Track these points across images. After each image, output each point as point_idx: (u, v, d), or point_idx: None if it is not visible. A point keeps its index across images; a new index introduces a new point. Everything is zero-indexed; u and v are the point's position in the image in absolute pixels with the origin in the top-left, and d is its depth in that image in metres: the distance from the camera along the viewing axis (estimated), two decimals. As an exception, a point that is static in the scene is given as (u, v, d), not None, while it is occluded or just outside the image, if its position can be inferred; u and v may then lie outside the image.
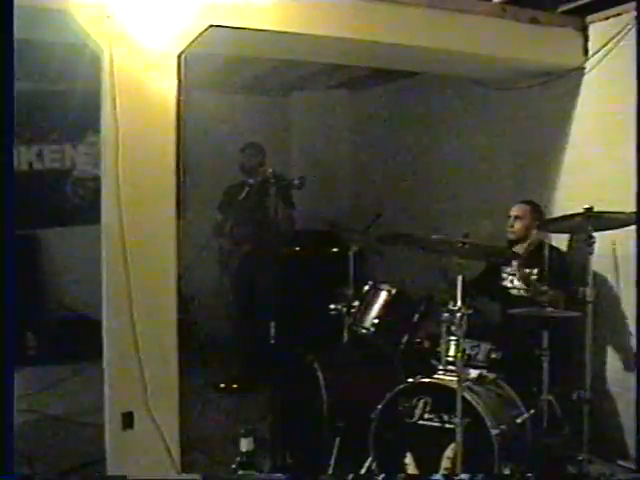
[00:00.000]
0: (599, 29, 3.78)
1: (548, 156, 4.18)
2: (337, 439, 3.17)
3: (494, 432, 2.80)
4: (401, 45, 3.45)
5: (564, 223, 3.30)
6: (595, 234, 3.07)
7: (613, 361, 3.73)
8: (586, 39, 3.86)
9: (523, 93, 4.29)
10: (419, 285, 3.90)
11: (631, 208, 2.82)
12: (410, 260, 4.48)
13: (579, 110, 3.96)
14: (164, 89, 2.99)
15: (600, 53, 3.76)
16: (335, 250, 4.68)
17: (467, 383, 2.98)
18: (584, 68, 3.88)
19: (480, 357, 3.25)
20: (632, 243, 2.96)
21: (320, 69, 5.19)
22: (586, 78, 3.89)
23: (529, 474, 2.92)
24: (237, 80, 5.55)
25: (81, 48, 3.06)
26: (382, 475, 3.02)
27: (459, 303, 2.89)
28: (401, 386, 3.06)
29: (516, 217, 3.77)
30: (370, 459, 3.08)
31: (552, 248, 3.53)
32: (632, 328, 3.52)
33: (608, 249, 3.38)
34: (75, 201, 5.82)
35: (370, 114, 6.06)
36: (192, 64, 3.08)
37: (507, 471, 2.82)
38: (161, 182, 3.04)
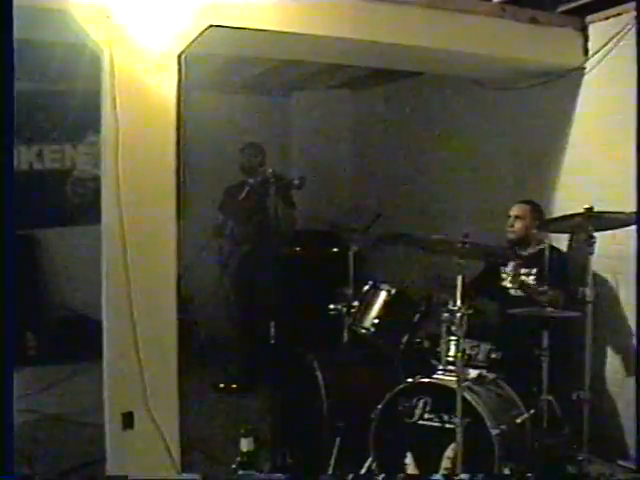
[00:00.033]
0: (599, 29, 3.78)
1: (548, 156, 4.18)
2: (337, 439, 3.17)
3: (494, 432, 2.80)
4: (401, 45, 3.45)
5: (564, 223, 3.30)
6: (595, 234, 3.07)
7: (613, 361, 3.73)
8: (586, 39, 3.86)
9: (523, 93, 4.29)
10: (419, 285, 3.91)
11: (631, 208, 2.82)
12: (410, 260, 4.48)
13: (579, 110, 3.96)
14: (164, 89, 2.99)
15: (600, 53, 3.76)
16: (335, 250, 4.68)
17: (467, 383, 2.98)
18: (584, 68, 3.88)
19: (480, 357, 3.25)
20: (632, 243, 2.97)
21: (320, 69, 5.19)
22: (586, 78, 3.89)
23: (529, 474, 2.92)
24: (237, 80, 5.55)
25: (81, 48, 3.05)
26: (382, 475, 3.02)
27: (459, 303, 2.89)
28: (401, 386, 3.06)
29: (516, 217, 3.77)
30: (370, 459, 3.08)
31: (552, 248, 3.53)
32: (632, 328, 3.52)
33: (608, 249, 3.38)
34: (75, 201, 5.81)
35: (370, 114, 6.06)
36: (192, 64, 3.08)
37: (507, 471, 2.82)
38: (161, 182, 3.04)
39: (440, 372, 3.10)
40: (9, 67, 1.85)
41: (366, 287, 3.59)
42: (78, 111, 4.86)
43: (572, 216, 3.14)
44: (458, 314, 2.88)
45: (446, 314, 3.00)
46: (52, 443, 3.69)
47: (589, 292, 3.06)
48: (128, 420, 2.99)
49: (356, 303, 3.58)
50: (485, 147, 4.70)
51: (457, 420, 2.77)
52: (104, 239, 2.99)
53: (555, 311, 3.10)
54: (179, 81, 3.01)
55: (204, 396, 4.46)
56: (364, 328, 3.48)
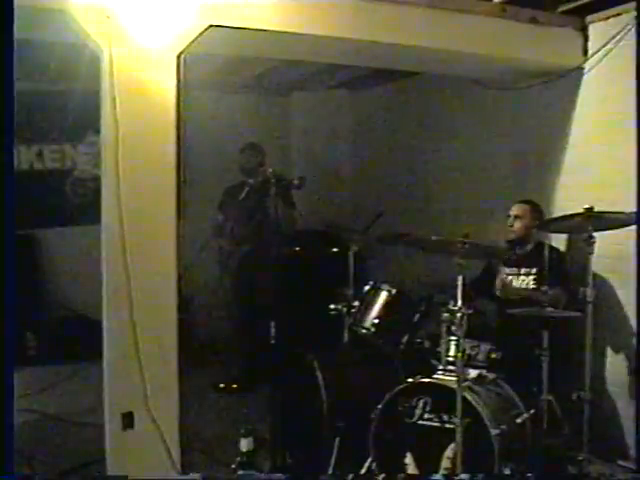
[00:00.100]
0: (599, 29, 3.79)
1: (548, 156, 4.18)
2: (337, 439, 3.17)
3: (494, 432, 2.80)
4: (401, 45, 3.45)
5: (564, 223, 3.30)
6: (595, 234, 3.07)
7: (613, 361, 3.73)
8: (586, 39, 3.86)
9: (523, 93, 4.29)
10: (419, 285, 3.91)
11: (631, 208, 2.82)
12: (410, 260, 4.48)
13: (579, 110, 3.96)
14: (164, 89, 2.99)
15: (600, 53, 3.76)
16: (335, 250, 4.67)
17: (467, 383, 2.98)
18: (584, 68, 3.88)
19: (480, 357, 3.25)
20: (632, 243, 2.97)
21: (320, 69, 5.19)
22: (586, 78, 3.89)
23: (529, 474, 2.92)
24: (237, 80, 5.55)
25: (81, 48, 3.05)
26: (382, 475, 3.02)
27: (459, 303, 2.89)
28: (401, 386, 3.06)
29: (516, 217, 3.77)
30: (370, 459, 3.08)
31: (552, 248, 3.53)
32: (632, 328, 3.52)
33: (608, 249, 3.38)
34: (75, 201, 5.82)
35: (370, 114, 6.06)
36: (192, 64, 3.08)
37: (507, 471, 2.82)
38: (161, 182, 3.04)
39: (440, 372, 3.10)
40: (9, 67, 1.85)
41: (366, 287, 3.60)
42: (78, 111, 4.86)
43: (572, 216, 3.14)
44: (458, 314, 2.88)
45: (446, 314, 3.00)
46: (52, 443, 3.69)
47: (589, 292, 3.07)
48: (128, 420, 2.99)
49: (356, 303, 3.58)
50: (485, 147, 4.70)
51: (457, 420, 2.77)
52: (104, 239, 2.99)
53: (555, 311, 3.10)
54: (179, 81, 3.01)
55: (204, 396, 4.46)
56: (364, 328, 3.48)
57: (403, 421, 3.01)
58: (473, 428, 2.81)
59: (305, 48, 3.60)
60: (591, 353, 3.08)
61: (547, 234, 3.82)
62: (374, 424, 3.07)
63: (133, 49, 2.91)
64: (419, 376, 3.07)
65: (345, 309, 3.62)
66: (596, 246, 3.07)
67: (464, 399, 2.81)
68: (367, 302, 3.53)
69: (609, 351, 3.75)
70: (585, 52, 3.87)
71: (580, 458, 3.08)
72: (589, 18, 3.82)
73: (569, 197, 3.91)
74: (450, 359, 3.12)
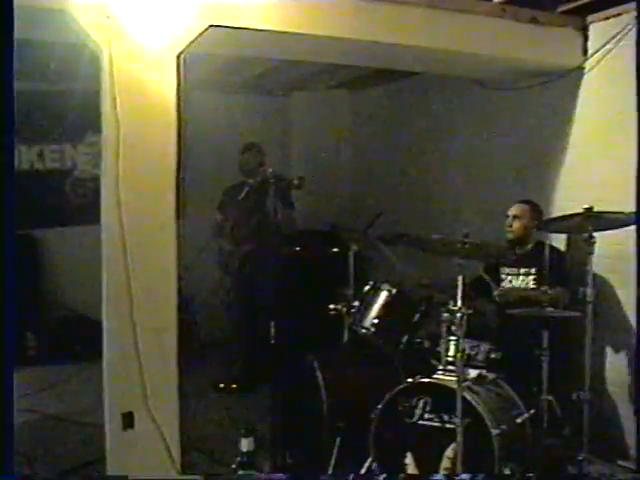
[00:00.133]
0: (599, 29, 3.79)
1: (548, 156, 4.18)
2: (337, 439, 3.17)
3: (494, 432, 2.80)
4: (401, 45, 3.45)
5: (564, 223, 3.30)
6: (595, 234, 3.07)
7: (613, 361, 3.73)
8: (586, 39, 3.86)
9: (523, 93, 4.29)
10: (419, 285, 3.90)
11: (631, 208, 2.82)
12: (410, 260, 4.47)
13: (579, 110, 3.96)
14: (164, 89, 2.99)
15: (600, 53, 3.77)
16: (335, 250, 4.68)
17: (467, 383, 2.98)
18: (584, 68, 3.88)
19: (480, 357, 3.25)
20: (632, 243, 2.96)
21: (320, 69, 5.19)
22: (586, 78, 3.89)
23: (529, 474, 2.92)
24: (237, 80, 5.55)
25: (81, 48, 3.05)
26: (382, 475, 3.02)
27: (459, 303, 2.89)
28: (401, 386, 3.06)
29: (515, 217, 3.77)
30: (370, 459, 3.08)
31: (552, 248, 3.53)
32: (632, 328, 3.51)
33: (608, 249, 3.38)
34: (75, 201, 5.82)
35: (370, 114, 6.06)
36: (192, 64, 3.08)
37: (507, 471, 2.82)
38: (161, 182, 3.04)
39: (440, 372, 3.10)
40: (9, 67, 1.85)
41: (366, 287, 3.59)
42: (78, 111, 4.86)
43: (572, 216, 3.14)
44: (458, 314, 2.88)
45: (446, 314, 3.00)
46: (52, 443, 3.69)
47: (589, 292, 3.07)
48: (128, 420, 2.99)
49: (356, 303, 3.57)
50: (485, 147, 4.70)
51: (457, 420, 2.77)
52: (104, 239, 2.99)
53: (555, 311, 3.10)
54: (179, 81, 3.01)
55: (204, 396, 4.46)
56: (364, 328, 3.48)
57: (403, 421, 3.01)
58: (473, 428, 2.81)
59: (305, 48, 3.60)
60: (591, 353, 3.08)
61: (547, 234, 3.82)
62: (374, 424, 3.07)
63: (133, 49, 2.90)
64: (419, 376, 3.07)
65: (345, 309, 3.61)
66: (596, 246, 3.07)
67: (464, 399, 2.81)
68: (367, 302, 3.53)
69: (609, 351, 3.75)
70: (585, 52, 3.87)
71: (580, 458, 3.08)
72: (589, 18, 3.82)
73: (569, 197, 3.91)
74: (450, 359, 3.12)
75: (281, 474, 3.12)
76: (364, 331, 3.48)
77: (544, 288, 3.13)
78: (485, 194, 4.66)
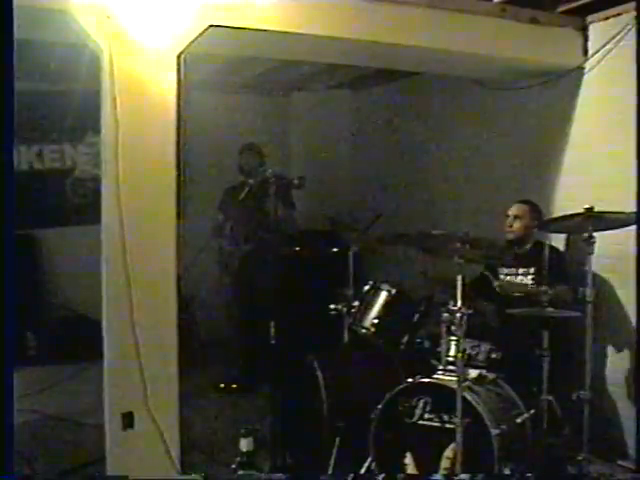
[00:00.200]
0: (599, 29, 3.79)
1: (548, 156, 4.18)
2: (337, 439, 3.17)
3: (494, 432, 2.80)
4: (401, 45, 3.45)
5: (564, 223, 3.30)
6: (595, 234, 3.07)
7: (613, 361, 3.73)
8: (586, 39, 3.86)
9: (523, 93, 4.29)
10: (419, 285, 3.91)
11: (631, 208, 2.81)
12: (410, 260, 4.48)
13: (579, 110, 3.96)
14: (164, 89, 2.99)
15: (600, 53, 3.77)
16: (335, 250, 4.68)
17: (467, 383, 2.98)
18: (584, 68, 3.88)
19: (480, 357, 3.25)
20: (632, 243, 2.96)
21: (320, 69, 5.19)
22: (586, 78, 3.89)
23: (529, 474, 2.92)
24: (237, 80, 5.55)
25: (81, 48, 3.05)
26: (382, 475, 3.02)
27: (459, 303, 2.89)
28: (401, 386, 3.06)
29: (515, 217, 3.77)
30: (370, 459, 3.08)
31: (551, 248, 3.53)
32: (632, 328, 3.51)
33: (608, 249, 3.38)
34: (75, 201, 5.82)
35: (370, 114, 6.06)
36: (192, 64, 3.08)
37: (507, 471, 2.82)
38: (161, 182, 3.04)
39: (440, 372, 3.10)
40: (9, 67, 1.85)
41: (366, 287, 3.59)
42: (78, 111, 4.85)
43: (572, 216, 3.15)
44: (458, 314, 2.88)
45: (446, 314, 3.00)
46: (52, 443, 3.69)
47: (589, 292, 3.07)
48: (128, 420, 2.99)
49: (356, 303, 3.57)
50: (485, 147, 4.70)
51: (457, 420, 2.77)
52: (104, 239, 2.99)
53: (555, 311, 3.10)
54: (179, 81, 3.01)
55: (204, 396, 4.46)
56: (364, 328, 3.48)
57: (403, 421, 3.01)
58: (473, 428, 2.80)
59: (305, 48, 3.60)
60: (591, 353, 3.08)
61: (547, 234, 3.82)
62: (374, 424, 3.07)
63: (133, 49, 2.90)
64: (419, 376, 3.07)
65: (345, 309, 3.61)
66: (596, 246, 3.08)
67: (464, 399, 2.81)
68: (367, 302, 3.53)
69: (609, 351, 3.75)
70: (585, 52, 3.87)
71: (580, 458, 3.08)
72: (589, 18, 3.82)
73: (569, 197, 3.91)
74: (450, 359, 3.12)
75: (281, 474, 3.12)
76: (364, 331, 3.48)
77: (544, 288, 3.13)
78: (485, 194, 4.66)
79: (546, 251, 3.29)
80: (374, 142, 5.94)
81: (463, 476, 2.76)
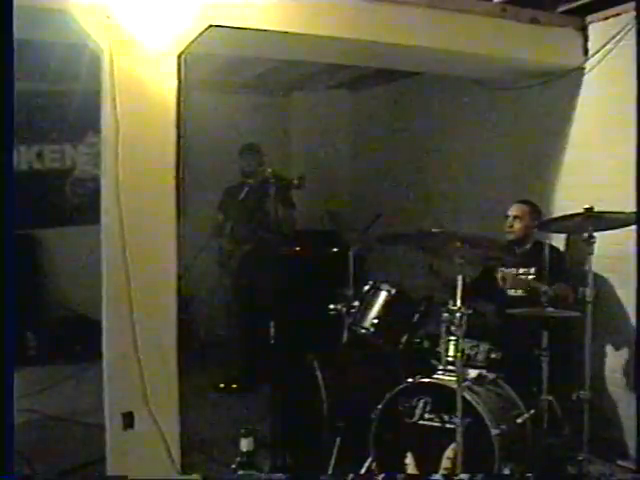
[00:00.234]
0: (599, 29, 3.79)
1: (548, 156, 4.18)
2: (337, 439, 3.17)
3: (494, 432, 2.80)
4: (401, 45, 3.45)
5: (564, 223, 3.30)
6: (595, 234, 3.07)
7: (613, 361, 3.73)
8: (586, 39, 3.86)
9: (523, 93, 4.29)
10: (419, 285, 3.90)
11: (631, 208, 2.81)
12: (410, 260, 4.47)
13: (579, 110, 3.96)
14: (164, 89, 2.99)
15: (600, 53, 3.77)
16: (335, 250, 4.68)
17: (467, 383, 2.98)
18: (584, 68, 3.88)
19: (480, 357, 3.25)
20: (632, 243, 2.96)
21: (320, 69, 5.20)
22: (586, 78, 3.89)
23: (529, 474, 2.92)
24: (237, 80, 5.56)
25: (81, 48, 3.05)
26: (382, 475, 3.02)
27: (459, 303, 2.89)
28: (401, 386, 3.06)
29: (515, 217, 3.77)
30: (370, 459, 3.08)
31: (551, 247, 3.53)
32: (632, 328, 3.51)
33: (608, 249, 3.38)
34: (75, 201, 5.82)
35: (370, 114, 6.06)
36: (192, 64, 3.08)
37: (507, 471, 2.82)
38: (161, 182, 3.04)
39: (440, 372, 3.10)
40: (9, 67, 1.85)
41: (366, 287, 3.59)
42: (78, 111, 4.86)
43: (572, 216, 3.14)
44: (458, 314, 2.87)
45: (446, 314, 3.00)
46: (52, 443, 3.69)
47: (589, 292, 3.07)
48: (128, 420, 2.99)
49: (356, 303, 3.57)
50: (485, 147, 4.70)
51: (457, 420, 2.76)
52: (104, 239, 2.99)
53: (555, 311, 3.10)
54: (179, 81, 3.01)
55: (204, 396, 4.46)
56: (364, 328, 3.48)
57: (403, 421, 3.01)
58: (473, 428, 2.80)
59: (305, 48, 3.60)
60: (591, 353, 3.08)
61: (547, 234, 3.82)
62: (374, 424, 3.07)
63: (133, 49, 2.91)
64: (419, 376, 3.07)
65: (345, 309, 3.61)
66: (596, 246, 3.07)
67: (464, 399, 2.81)
68: (367, 302, 3.53)
69: (609, 351, 3.75)
70: (585, 52, 3.87)
71: (580, 458, 3.08)
72: (589, 18, 3.82)
73: (569, 197, 3.91)
74: (450, 359, 3.12)
75: (281, 474, 3.12)
76: (364, 331, 3.48)
77: (544, 288, 3.13)
78: (485, 194, 4.66)
79: (546, 251, 3.29)
80: (374, 142, 5.94)
81: (463, 476, 2.76)
